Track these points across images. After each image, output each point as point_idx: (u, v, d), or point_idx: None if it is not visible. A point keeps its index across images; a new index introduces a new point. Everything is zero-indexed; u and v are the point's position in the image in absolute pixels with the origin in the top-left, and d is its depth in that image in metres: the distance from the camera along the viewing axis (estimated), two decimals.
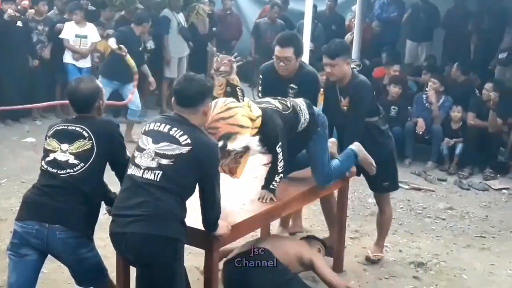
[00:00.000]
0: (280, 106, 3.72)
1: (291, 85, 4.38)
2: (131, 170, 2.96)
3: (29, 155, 6.64)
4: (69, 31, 8.14)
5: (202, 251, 3.28)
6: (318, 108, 4.04)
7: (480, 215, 5.90)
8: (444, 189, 6.66)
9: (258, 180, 3.86)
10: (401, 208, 5.94)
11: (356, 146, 4.17)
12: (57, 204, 3.04)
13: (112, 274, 3.40)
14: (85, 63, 8.24)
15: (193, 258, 4.17)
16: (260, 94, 4.62)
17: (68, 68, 8.13)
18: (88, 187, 3.09)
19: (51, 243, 3.04)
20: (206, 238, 3.13)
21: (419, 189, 6.55)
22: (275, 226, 4.89)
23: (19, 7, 8.24)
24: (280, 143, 3.56)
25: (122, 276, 3.38)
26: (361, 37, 8.76)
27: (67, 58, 8.19)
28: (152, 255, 2.88)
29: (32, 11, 8.47)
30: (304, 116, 3.80)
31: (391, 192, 4.77)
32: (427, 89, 7.71)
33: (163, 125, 3.00)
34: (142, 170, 2.92)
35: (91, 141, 3.12)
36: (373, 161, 4.23)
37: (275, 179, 3.63)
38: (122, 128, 6.16)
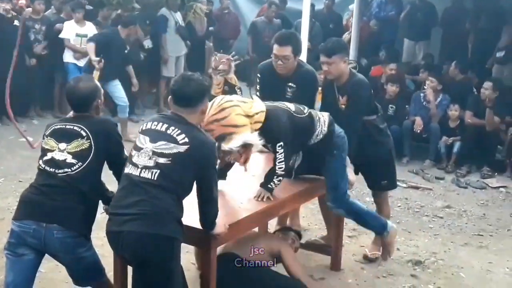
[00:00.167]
0: (293, 108, 3.71)
1: (290, 83, 4.39)
2: (128, 169, 2.96)
3: (27, 154, 6.63)
4: (69, 30, 8.14)
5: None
6: (337, 128, 3.93)
7: (478, 214, 5.91)
8: (442, 188, 6.67)
9: (256, 178, 3.85)
10: (399, 206, 5.95)
11: (393, 228, 4.15)
12: (55, 203, 3.03)
13: (110, 273, 3.39)
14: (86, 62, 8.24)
15: (191, 257, 4.18)
16: (258, 93, 4.62)
17: (69, 68, 8.13)
18: (86, 187, 3.08)
19: (48, 243, 3.03)
20: (204, 236, 3.13)
21: (417, 188, 6.56)
22: (272, 225, 4.89)
23: (16, 7, 8.22)
24: (281, 142, 3.53)
25: (120, 275, 3.38)
26: (358, 36, 8.77)
27: (68, 57, 8.18)
28: (148, 254, 2.87)
29: (29, 10, 8.45)
30: (322, 128, 3.76)
31: (389, 191, 4.77)
32: (425, 87, 7.72)
33: (160, 124, 3.00)
34: (139, 169, 2.91)
35: (89, 141, 3.12)
36: (392, 250, 4.23)
37: (274, 180, 3.62)
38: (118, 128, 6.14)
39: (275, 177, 3.61)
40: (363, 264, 4.62)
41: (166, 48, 8.99)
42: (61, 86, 8.45)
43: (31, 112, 8.49)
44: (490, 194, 6.52)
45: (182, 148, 2.90)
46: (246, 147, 3.43)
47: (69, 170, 3.06)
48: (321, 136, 3.78)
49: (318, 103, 4.63)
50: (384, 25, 9.55)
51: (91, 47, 7.33)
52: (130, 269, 3.11)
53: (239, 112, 3.38)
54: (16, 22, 7.97)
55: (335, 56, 4.14)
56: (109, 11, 8.98)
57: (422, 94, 7.66)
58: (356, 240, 5.04)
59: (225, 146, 3.30)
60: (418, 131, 7.42)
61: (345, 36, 9.15)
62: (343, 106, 4.29)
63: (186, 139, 2.92)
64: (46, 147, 3.16)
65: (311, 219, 5.40)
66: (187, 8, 9.62)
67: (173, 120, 3.00)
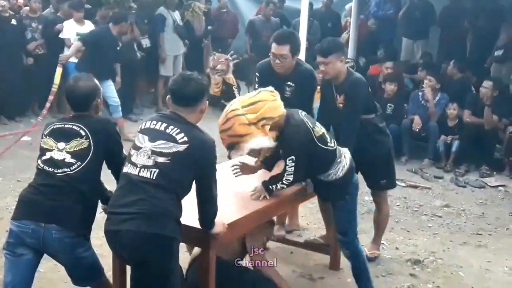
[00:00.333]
0: (319, 132, 3.56)
1: (288, 82, 4.38)
2: (127, 168, 2.95)
3: (25, 154, 6.62)
4: (70, 30, 8.13)
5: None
6: (355, 178, 3.84)
7: (477, 213, 5.91)
8: (441, 187, 6.67)
9: (255, 178, 3.84)
10: (398, 205, 5.95)
11: None
12: (53, 203, 3.02)
13: (109, 273, 3.39)
14: None
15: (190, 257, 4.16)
16: None
17: (69, 67, 8.11)
18: (85, 186, 3.07)
19: (47, 243, 3.02)
20: (203, 236, 3.12)
21: (415, 187, 6.56)
22: None
23: (15, 6, 8.22)
24: (293, 157, 3.47)
25: (119, 275, 3.37)
26: (357, 35, 8.76)
27: None
28: (147, 253, 2.86)
29: (27, 8, 8.45)
30: (337, 171, 3.63)
31: (388, 190, 4.77)
32: (423, 86, 7.72)
33: (159, 123, 2.99)
34: (138, 168, 2.90)
35: (88, 140, 3.11)
36: None
37: (277, 184, 3.59)
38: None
39: (280, 183, 3.58)
40: None
41: (163, 47, 8.99)
42: (59, 86, 8.45)
43: (29, 112, 8.47)
44: (489, 193, 6.52)
45: (182, 147, 2.90)
46: (258, 151, 3.47)
47: (68, 169, 3.06)
48: (333, 178, 3.65)
49: (316, 103, 4.63)
50: (383, 24, 9.54)
51: (76, 45, 7.41)
52: (129, 269, 3.10)
53: (242, 121, 3.35)
54: (13, 21, 7.97)
55: (331, 56, 4.12)
56: (107, 10, 8.96)
57: (420, 93, 7.66)
58: None
59: (233, 156, 3.42)
60: (417, 130, 7.42)
61: (344, 36, 9.16)
62: (341, 105, 4.28)
63: (186, 138, 2.91)
64: (45, 146, 3.15)
65: (310, 218, 5.40)
66: (185, 7, 9.61)
67: (172, 119, 2.99)
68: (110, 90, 7.53)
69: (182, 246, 3.15)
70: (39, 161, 3.14)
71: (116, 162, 3.17)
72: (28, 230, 3.02)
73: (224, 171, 3.81)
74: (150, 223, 2.83)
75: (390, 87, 7.54)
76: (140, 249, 2.85)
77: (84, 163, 3.07)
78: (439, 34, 9.52)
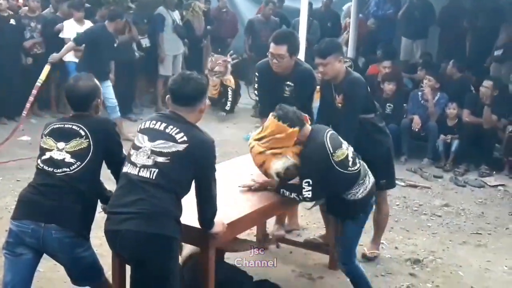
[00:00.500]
0: (340, 156, 3.55)
1: (287, 82, 4.39)
2: (127, 168, 2.95)
3: (25, 153, 6.62)
4: (70, 30, 8.11)
5: None
6: (373, 200, 3.86)
7: (476, 212, 5.91)
8: (440, 186, 6.67)
9: (255, 178, 3.83)
10: (397, 205, 5.95)
11: None
12: (53, 203, 3.02)
13: (108, 273, 3.39)
14: None
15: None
16: (256, 92, 4.61)
17: (69, 67, 8.11)
18: (85, 186, 3.07)
19: (46, 243, 3.02)
20: (202, 235, 3.12)
21: (415, 186, 6.56)
22: (271, 224, 4.88)
23: (14, 6, 8.22)
24: (309, 180, 3.49)
25: (118, 275, 3.37)
26: (356, 35, 8.76)
27: (68, 56, 8.12)
28: (146, 253, 2.86)
29: (26, 8, 8.44)
30: (358, 192, 3.63)
31: (387, 190, 4.77)
32: (422, 85, 7.72)
33: (159, 123, 2.99)
34: (137, 168, 2.91)
35: (87, 140, 3.11)
36: None
37: (292, 193, 3.61)
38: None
39: (296, 194, 3.59)
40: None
41: (163, 47, 8.98)
42: (57, 85, 8.45)
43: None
44: (488, 193, 6.52)
45: (181, 147, 2.90)
46: (285, 172, 3.56)
47: (68, 169, 3.05)
48: (351, 198, 3.63)
49: (316, 102, 4.63)
50: (382, 24, 9.55)
51: (69, 46, 7.39)
52: (128, 268, 3.10)
53: (257, 150, 3.58)
54: (12, 21, 7.97)
55: (329, 57, 4.12)
56: (106, 10, 8.95)
57: (420, 93, 7.65)
58: None
59: (273, 181, 3.62)
60: (416, 129, 7.42)
61: (343, 36, 9.16)
62: (340, 105, 4.28)
63: (185, 138, 2.91)
64: (45, 146, 3.15)
65: (309, 218, 5.40)
66: (185, 7, 9.61)
67: (171, 119, 2.99)
68: (108, 91, 7.50)
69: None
70: (39, 161, 3.14)
71: (116, 162, 3.17)
72: (27, 229, 3.02)
73: (224, 171, 3.82)
74: (150, 223, 2.83)
75: (388, 87, 7.53)
76: (140, 248, 2.86)
77: (83, 163, 3.07)
78: (438, 33, 9.52)
